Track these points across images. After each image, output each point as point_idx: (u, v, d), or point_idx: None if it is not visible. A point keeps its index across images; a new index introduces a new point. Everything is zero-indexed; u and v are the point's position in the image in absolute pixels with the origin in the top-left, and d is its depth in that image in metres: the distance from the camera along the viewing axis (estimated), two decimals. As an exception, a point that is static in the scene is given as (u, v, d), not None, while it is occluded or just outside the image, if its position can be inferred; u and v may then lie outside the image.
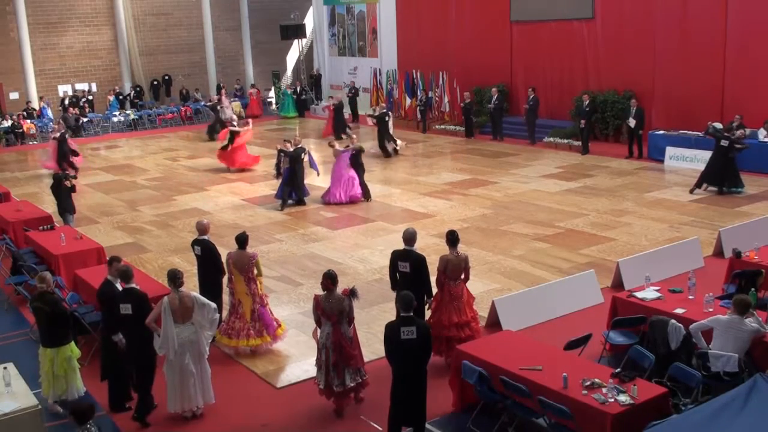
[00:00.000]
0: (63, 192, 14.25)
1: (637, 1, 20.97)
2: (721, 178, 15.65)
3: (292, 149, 16.36)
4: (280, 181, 16.86)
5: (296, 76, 34.52)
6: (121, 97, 30.69)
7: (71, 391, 8.22)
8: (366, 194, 16.43)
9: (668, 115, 20.31)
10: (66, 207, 14.31)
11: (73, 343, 8.30)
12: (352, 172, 16.35)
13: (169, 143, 25.95)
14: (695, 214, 14.44)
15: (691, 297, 8.66)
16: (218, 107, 26.11)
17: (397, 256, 8.77)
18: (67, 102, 29.51)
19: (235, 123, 21.37)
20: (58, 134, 20.55)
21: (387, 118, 22.07)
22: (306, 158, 16.54)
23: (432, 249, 11.98)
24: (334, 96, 26.96)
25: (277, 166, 17.66)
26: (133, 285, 7.93)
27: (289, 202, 16.29)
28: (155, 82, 32.83)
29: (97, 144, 26.08)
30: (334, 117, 24.93)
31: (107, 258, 8.90)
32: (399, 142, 22.00)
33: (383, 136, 21.69)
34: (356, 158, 16.47)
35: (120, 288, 8.29)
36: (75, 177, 14.86)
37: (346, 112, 27.34)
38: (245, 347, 9.25)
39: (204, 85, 33.02)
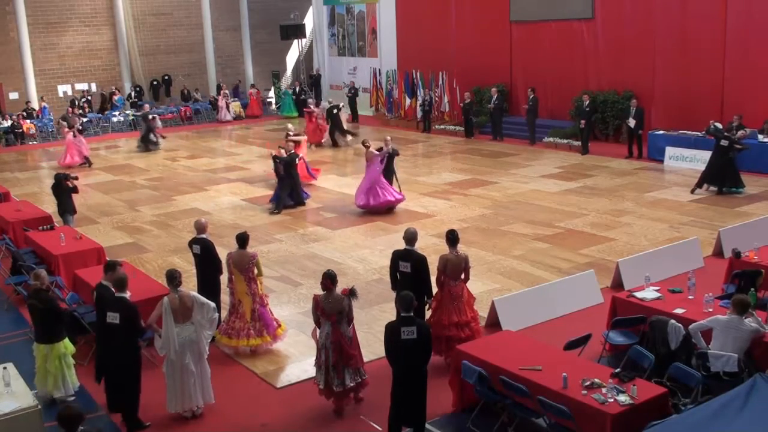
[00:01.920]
0: (64, 192, 14.19)
1: (637, 1, 20.99)
2: (722, 178, 15.66)
3: (286, 155, 16.12)
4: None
5: (296, 76, 34.53)
6: (115, 97, 30.61)
7: (66, 387, 8.24)
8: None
9: (668, 115, 20.31)
10: (66, 207, 14.22)
11: (67, 339, 8.30)
12: (382, 178, 15.49)
13: (169, 143, 25.90)
14: (695, 214, 14.44)
15: (690, 297, 8.66)
16: (150, 116, 24.93)
17: (398, 256, 8.77)
18: (81, 100, 29.60)
19: (291, 132, 19.23)
20: (79, 125, 22.80)
21: (336, 111, 23.74)
22: (301, 163, 16.30)
23: (432, 249, 11.97)
24: (313, 103, 25.96)
25: (277, 172, 16.78)
26: (125, 294, 7.73)
27: (290, 202, 16.13)
28: (155, 82, 32.83)
29: (97, 144, 26.03)
30: (331, 120, 24.52)
31: (106, 262, 8.86)
32: (349, 137, 23.67)
33: (335, 129, 23.56)
34: (389, 161, 15.72)
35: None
36: (76, 177, 14.76)
37: (346, 112, 27.32)
38: (245, 347, 9.25)
39: (204, 85, 33.07)
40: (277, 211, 15.87)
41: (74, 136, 22.09)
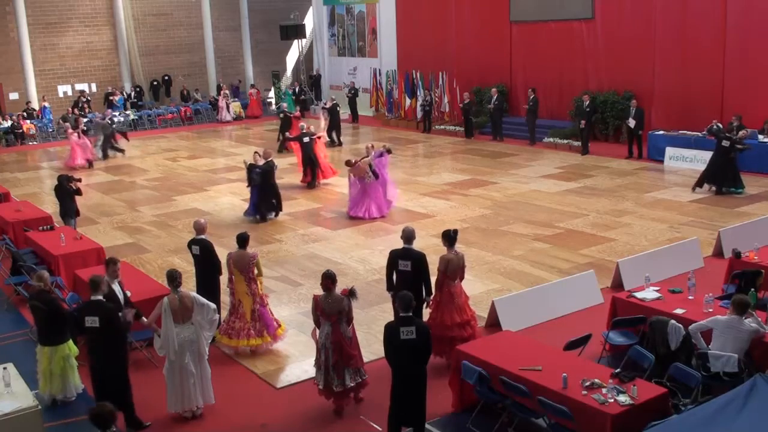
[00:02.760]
0: (66, 194, 14.02)
1: (637, 1, 20.99)
2: (722, 178, 15.67)
3: (262, 163, 15.33)
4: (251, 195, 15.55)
5: (296, 76, 34.52)
6: (113, 98, 30.49)
7: (69, 389, 8.24)
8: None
9: (668, 115, 20.32)
10: (67, 210, 13.96)
11: (71, 341, 8.30)
12: (379, 189, 15.14)
13: (169, 143, 25.95)
14: (695, 214, 14.44)
15: (690, 297, 8.67)
16: (113, 123, 24.07)
17: (397, 255, 8.75)
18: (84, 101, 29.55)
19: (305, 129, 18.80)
20: (83, 127, 22.55)
21: (339, 108, 24.30)
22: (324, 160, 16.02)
23: (432, 249, 11.92)
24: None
25: (250, 179, 15.42)
26: (100, 297, 7.65)
27: (271, 214, 15.43)
28: (155, 83, 32.83)
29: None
30: (330, 119, 24.49)
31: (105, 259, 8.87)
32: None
33: (334, 127, 23.68)
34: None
35: (120, 290, 8.31)
36: (79, 180, 14.65)
37: (346, 112, 27.33)
38: (245, 347, 9.26)
39: (204, 85, 33.05)
40: (259, 219, 15.25)
41: (78, 137, 22.04)
